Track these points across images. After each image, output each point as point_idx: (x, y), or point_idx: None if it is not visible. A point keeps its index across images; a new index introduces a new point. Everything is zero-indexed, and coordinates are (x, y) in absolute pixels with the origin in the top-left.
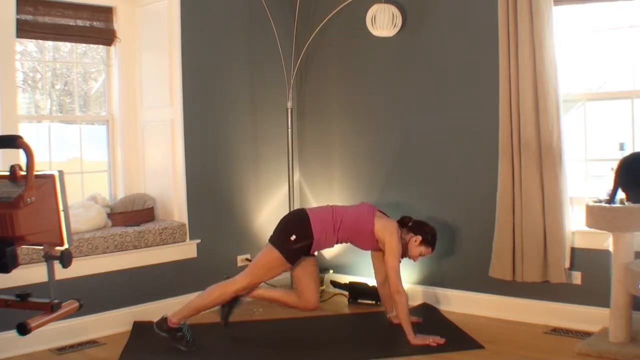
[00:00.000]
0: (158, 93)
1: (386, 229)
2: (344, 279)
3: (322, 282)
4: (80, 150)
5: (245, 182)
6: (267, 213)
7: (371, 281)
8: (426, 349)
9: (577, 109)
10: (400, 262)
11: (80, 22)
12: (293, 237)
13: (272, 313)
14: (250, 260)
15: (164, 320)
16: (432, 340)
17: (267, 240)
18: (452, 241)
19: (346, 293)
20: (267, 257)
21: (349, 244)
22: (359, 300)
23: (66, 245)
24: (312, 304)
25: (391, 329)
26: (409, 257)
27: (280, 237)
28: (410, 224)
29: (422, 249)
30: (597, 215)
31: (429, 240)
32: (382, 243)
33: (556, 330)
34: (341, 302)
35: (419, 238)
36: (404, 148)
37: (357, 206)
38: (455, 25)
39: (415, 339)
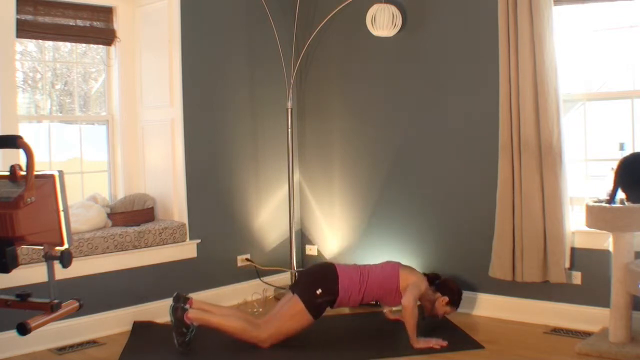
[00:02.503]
0: (158, 93)
1: (412, 276)
2: None
3: None
4: (80, 150)
5: (245, 182)
6: (267, 213)
7: None
8: (426, 349)
9: (577, 109)
10: (416, 300)
11: (80, 22)
12: (319, 291)
13: None
14: (250, 261)
15: (183, 309)
16: (435, 342)
17: (289, 287)
18: (452, 241)
19: None
20: (292, 309)
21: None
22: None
23: (66, 245)
24: (265, 340)
25: (391, 329)
26: (434, 315)
27: (306, 289)
28: (437, 282)
29: (448, 308)
30: (597, 215)
31: (456, 300)
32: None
33: (556, 330)
34: None
35: (446, 299)
36: (404, 148)
37: (382, 264)
38: (455, 25)
39: (418, 343)
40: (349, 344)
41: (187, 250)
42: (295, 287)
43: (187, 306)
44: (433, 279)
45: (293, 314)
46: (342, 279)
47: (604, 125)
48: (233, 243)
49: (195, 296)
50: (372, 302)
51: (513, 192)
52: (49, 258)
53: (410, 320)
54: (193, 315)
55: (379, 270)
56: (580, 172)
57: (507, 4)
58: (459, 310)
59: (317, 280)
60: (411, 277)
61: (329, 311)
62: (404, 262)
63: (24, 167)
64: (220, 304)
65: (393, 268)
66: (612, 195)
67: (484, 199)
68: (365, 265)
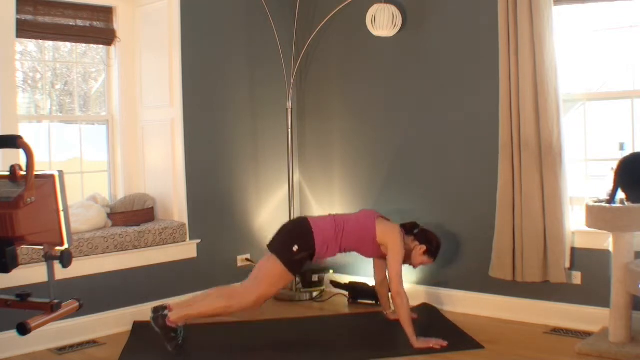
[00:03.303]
0: (158, 93)
1: (389, 233)
2: (344, 279)
3: (322, 282)
4: (80, 150)
5: (245, 182)
6: (267, 213)
7: (371, 281)
8: (426, 349)
9: (577, 109)
10: (402, 264)
11: (80, 22)
12: (295, 248)
13: (271, 313)
14: (250, 261)
15: (163, 316)
16: (435, 343)
17: (267, 246)
18: (452, 241)
19: (346, 293)
20: (271, 270)
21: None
22: (359, 300)
23: (66, 245)
24: (253, 304)
25: (391, 329)
26: (410, 264)
27: (282, 247)
28: (416, 231)
29: (425, 258)
30: (597, 215)
31: (433, 250)
32: (385, 247)
33: (556, 330)
34: (341, 302)
35: (424, 247)
36: (404, 148)
37: (357, 213)
38: (455, 25)
39: (417, 342)
40: (349, 344)
41: (187, 250)
42: (271, 246)
43: (166, 312)
44: (411, 228)
45: (274, 275)
46: (317, 233)
47: (604, 125)
48: (233, 243)
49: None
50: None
51: (513, 192)
52: (49, 258)
53: (404, 312)
54: (174, 316)
55: (355, 220)
56: (580, 172)
57: (507, 4)
58: (459, 310)
59: (293, 237)
60: (387, 228)
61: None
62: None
63: (24, 167)
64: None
65: (369, 218)
66: (612, 195)
67: (484, 199)
68: (340, 215)
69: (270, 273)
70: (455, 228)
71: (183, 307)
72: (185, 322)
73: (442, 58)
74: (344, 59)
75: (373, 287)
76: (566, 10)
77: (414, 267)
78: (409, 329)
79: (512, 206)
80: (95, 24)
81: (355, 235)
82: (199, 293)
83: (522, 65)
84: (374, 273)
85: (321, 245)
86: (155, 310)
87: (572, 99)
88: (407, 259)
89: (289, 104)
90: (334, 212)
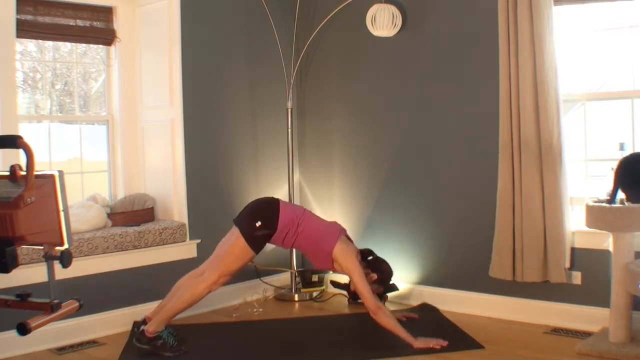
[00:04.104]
0: (158, 93)
1: (347, 254)
2: (344, 279)
3: (322, 282)
4: (80, 150)
5: (245, 182)
6: None
7: None
8: (426, 349)
9: (577, 109)
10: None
11: (80, 22)
12: (258, 224)
13: (271, 313)
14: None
15: (141, 332)
16: (435, 343)
17: (233, 220)
18: (452, 241)
19: (346, 293)
20: (235, 246)
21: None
22: (359, 301)
23: (66, 245)
24: (214, 282)
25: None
26: (356, 290)
27: (246, 222)
28: (370, 258)
29: (374, 286)
30: (597, 215)
31: (384, 280)
32: (341, 267)
33: (556, 330)
34: (341, 302)
35: (374, 276)
36: (404, 148)
37: (327, 222)
38: (455, 25)
39: (417, 343)
40: (349, 344)
41: (187, 250)
42: (237, 219)
43: (143, 326)
44: (366, 255)
45: (236, 252)
46: (282, 215)
47: (604, 125)
48: None
49: None
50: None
51: (513, 192)
52: (49, 258)
53: (390, 321)
54: (152, 327)
55: (320, 226)
56: (580, 172)
57: (507, 4)
58: (459, 310)
59: (259, 212)
60: (347, 248)
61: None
62: (405, 261)
63: (24, 167)
64: (220, 304)
65: (334, 232)
66: (613, 195)
67: (484, 199)
68: (311, 214)
69: (231, 249)
70: (455, 228)
71: (157, 312)
72: (166, 325)
73: (442, 58)
74: (344, 59)
75: None
76: (566, 10)
77: (360, 293)
78: (403, 334)
79: (512, 206)
80: (95, 24)
81: (312, 240)
82: (168, 293)
83: (522, 65)
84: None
85: (282, 229)
86: (137, 328)
87: (572, 99)
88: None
89: (289, 104)
90: (333, 218)
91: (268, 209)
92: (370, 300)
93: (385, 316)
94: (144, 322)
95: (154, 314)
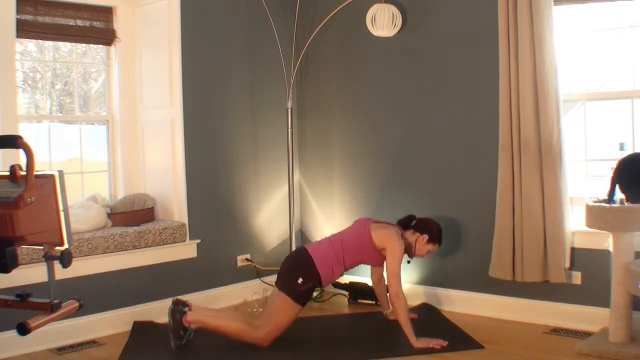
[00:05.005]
0: (158, 93)
1: (385, 236)
2: (344, 278)
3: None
4: (80, 150)
5: (245, 182)
6: (267, 213)
7: (371, 281)
8: (426, 349)
9: (577, 109)
10: (400, 266)
11: (80, 22)
12: (300, 280)
13: None
14: (250, 261)
15: (182, 312)
16: (435, 342)
17: (274, 284)
18: (452, 241)
19: (346, 293)
20: (281, 304)
21: None
22: (359, 300)
23: (66, 245)
24: (263, 339)
25: (391, 329)
26: (417, 256)
27: (287, 282)
28: (413, 223)
29: (430, 246)
30: (597, 215)
31: (435, 236)
32: (384, 250)
33: (556, 330)
34: (341, 302)
35: (426, 237)
36: (404, 148)
37: (351, 226)
38: (455, 25)
39: (417, 342)
40: (349, 344)
41: (187, 250)
42: (277, 283)
43: (187, 309)
44: (408, 222)
45: (283, 309)
46: (318, 262)
47: (604, 125)
48: (233, 243)
49: (195, 296)
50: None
51: (513, 192)
52: (49, 258)
53: (403, 314)
54: (192, 317)
55: (350, 233)
56: (580, 172)
57: (507, 4)
58: (459, 310)
59: (295, 270)
60: (383, 231)
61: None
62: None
63: (24, 167)
64: (220, 304)
65: (364, 226)
66: (610, 194)
67: (484, 199)
68: (335, 234)
69: (278, 309)
70: (455, 228)
71: (203, 313)
72: (198, 328)
73: (442, 58)
74: (344, 59)
75: (373, 287)
76: (566, 10)
77: (422, 257)
78: (408, 330)
79: (512, 206)
80: (95, 24)
81: (355, 249)
82: (221, 309)
83: (522, 65)
84: (371, 272)
85: (325, 271)
86: (177, 303)
87: (572, 99)
88: (413, 252)
89: (289, 104)
90: (329, 233)
91: (302, 262)
92: (395, 283)
93: (401, 306)
94: (185, 304)
95: (197, 308)
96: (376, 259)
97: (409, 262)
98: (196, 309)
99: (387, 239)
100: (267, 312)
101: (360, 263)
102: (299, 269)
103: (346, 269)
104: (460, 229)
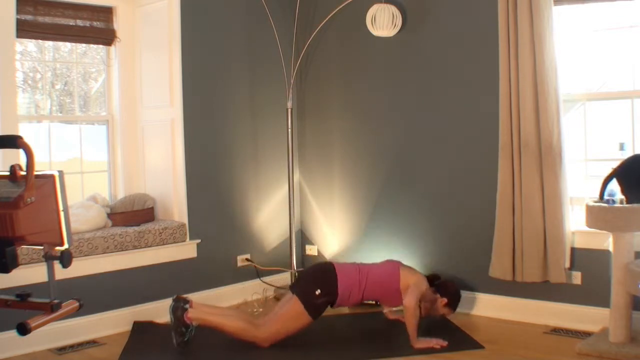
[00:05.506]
0: (158, 93)
1: (412, 275)
2: None
3: None
4: (80, 150)
5: (245, 182)
6: (267, 213)
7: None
8: (426, 349)
9: (577, 109)
10: (418, 301)
11: (80, 22)
12: (318, 292)
13: None
14: (250, 261)
15: (183, 309)
16: (435, 342)
17: (289, 287)
18: (452, 241)
19: None
20: (292, 310)
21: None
22: None
23: (66, 245)
24: (264, 339)
25: (391, 329)
26: (432, 315)
27: (305, 289)
28: (436, 282)
29: (446, 310)
30: (597, 215)
31: (453, 302)
32: (406, 290)
33: (556, 330)
34: None
35: (445, 300)
36: (404, 148)
37: (381, 263)
38: (455, 25)
39: (418, 342)
40: (349, 344)
41: (187, 250)
42: (294, 287)
43: (187, 306)
44: (432, 280)
45: (293, 315)
46: (341, 279)
47: (604, 125)
48: (233, 243)
49: (195, 296)
50: (372, 302)
51: (513, 192)
52: (49, 258)
53: (412, 320)
54: (193, 314)
55: (379, 270)
56: (580, 172)
57: (507, 4)
58: (459, 310)
59: (316, 280)
60: (412, 278)
61: (329, 311)
62: (405, 262)
63: (24, 167)
64: (220, 304)
65: (394, 267)
66: (602, 191)
67: (484, 199)
68: (365, 264)
69: (288, 312)
70: (455, 228)
71: (205, 310)
72: (199, 325)
73: (442, 58)
74: (344, 59)
75: None
76: (566, 10)
77: (437, 318)
78: (412, 334)
79: (512, 206)
80: (95, 24)
81: (379, 285)
82: (223, 307)
83: (522, 65)
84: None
85: (343, 292)
86: (178, 300)
87: (572, 99)
88: (429, 310)
89: (289, 104)
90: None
91: (326, 276)
92: (413, 298)
93: (413, 314)
94: (186, 301)
95: (198, 305)
96: (397, 300)
97: (421, 318)
98: (197, 305)
99: (414, 278)
100: (275, 314)
101: (378, 300)
102: (320, 281)
103: (363, 298)
104: (461, 229)
